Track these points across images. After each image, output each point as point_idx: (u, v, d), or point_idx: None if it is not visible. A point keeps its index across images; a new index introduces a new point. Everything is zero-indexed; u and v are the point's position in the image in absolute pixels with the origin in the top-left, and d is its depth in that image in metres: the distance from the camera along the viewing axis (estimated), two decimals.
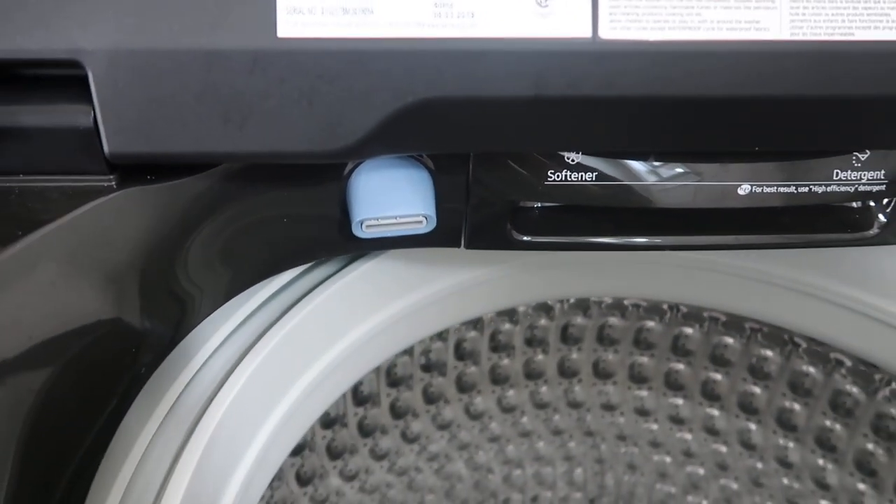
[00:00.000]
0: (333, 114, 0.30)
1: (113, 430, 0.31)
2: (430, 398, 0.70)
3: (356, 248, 0.39)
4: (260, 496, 0.47)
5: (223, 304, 0.36)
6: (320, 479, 0.62)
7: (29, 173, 0.32)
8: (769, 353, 0.66)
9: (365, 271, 0.46)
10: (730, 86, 0.30)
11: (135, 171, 0.32)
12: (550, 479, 0.86)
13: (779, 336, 0.63)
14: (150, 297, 0.32)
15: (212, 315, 0.37)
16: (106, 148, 0.30)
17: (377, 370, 0.61)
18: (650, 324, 0.68)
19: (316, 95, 0.30)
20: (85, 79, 0.30)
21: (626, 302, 0.67)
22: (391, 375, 0.63)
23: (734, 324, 0.65)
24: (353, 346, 0.49)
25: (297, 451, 0.58)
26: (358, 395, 0.61)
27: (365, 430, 0.65)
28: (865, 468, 0.64)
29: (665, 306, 0.67)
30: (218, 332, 0.40)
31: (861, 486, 0.65)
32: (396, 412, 0.67)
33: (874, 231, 0.41)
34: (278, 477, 0.58)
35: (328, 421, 0.60)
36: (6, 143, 0.31)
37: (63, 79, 0.31)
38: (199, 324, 0.35)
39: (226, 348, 0.41)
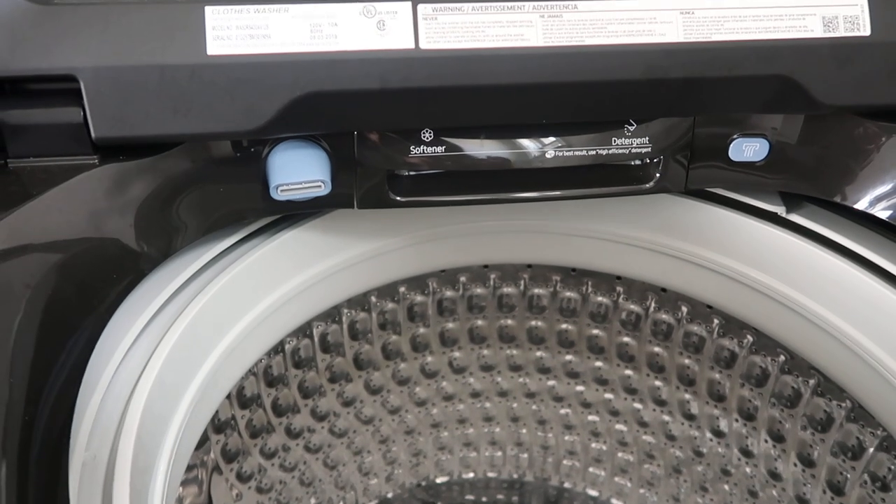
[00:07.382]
0: (247, 105, 0.45)
1: (103, 325, 0.44)
2: (360, 365, 0.80)
3: (275, 210, 0.53)
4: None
5: (202, 237, 0.50)
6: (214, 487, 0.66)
7: (36, 156, 0.45)
8: (634, 307, 0.80)
9: (274, 246, 0.54)
10: (506, 76, 0.46)
11: (112, 152, 0.46)
12: (475, 440, 0.95)
13: (643, 291, 0.75)
14: (140, 229, 0.45)
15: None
16: (93, 134, 0.44)
17: (255, 375, 0.67)
18: (539, 291, 0.79)
19: (235, 92, 0.45)
20: (76, 89, 0.44)
21: (519, 273, 0.77)
22: (267, 375, 0.69)
23: (604, 284, 0.76)
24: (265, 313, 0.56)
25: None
26: (241, 398, 0.66)
27: (253, 432, 0.70)
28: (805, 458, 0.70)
29: (551, 275, 0.77)
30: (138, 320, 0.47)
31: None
32: (304, 393, 0.74)
33: (652, 184, 0.57)
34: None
35: (220, 425, 0.64)
36: (20, 135, 0.45)
37: (59, 91, 0.45)
38: (186, 245, 0.49)
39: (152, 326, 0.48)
